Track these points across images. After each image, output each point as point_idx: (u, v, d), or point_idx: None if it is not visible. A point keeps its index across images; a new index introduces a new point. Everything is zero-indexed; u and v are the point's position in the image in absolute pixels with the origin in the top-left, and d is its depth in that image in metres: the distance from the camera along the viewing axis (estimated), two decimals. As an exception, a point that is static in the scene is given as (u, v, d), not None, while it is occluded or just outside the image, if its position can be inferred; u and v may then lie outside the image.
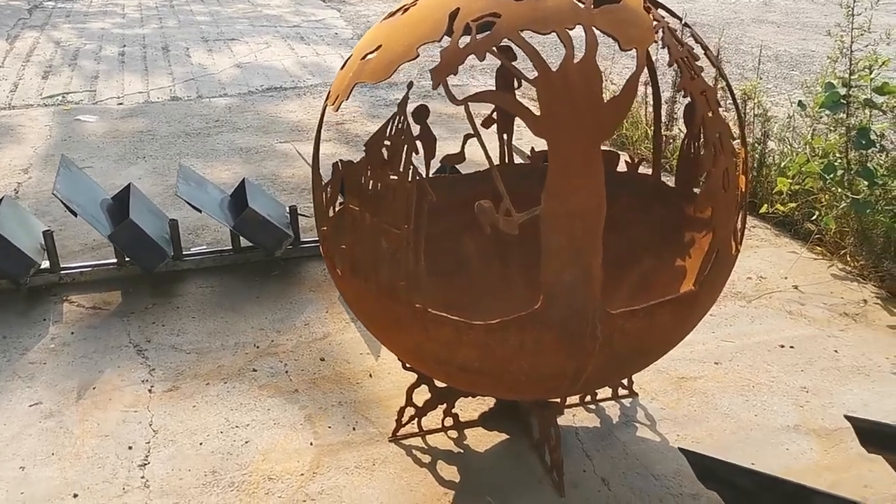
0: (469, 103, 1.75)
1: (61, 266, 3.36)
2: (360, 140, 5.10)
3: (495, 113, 2.70)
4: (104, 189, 3.72)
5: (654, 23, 1.90)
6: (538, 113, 1.75)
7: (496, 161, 2.70)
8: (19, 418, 2.55)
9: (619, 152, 2.72)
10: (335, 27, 9.23)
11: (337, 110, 2.00)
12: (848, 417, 2.11)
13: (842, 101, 3.48)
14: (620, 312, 1.89)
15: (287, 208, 3.60)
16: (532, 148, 2.84)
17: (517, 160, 2.93)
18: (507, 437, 2.48)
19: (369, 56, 1.94)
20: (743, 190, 2.09)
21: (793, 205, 3.87)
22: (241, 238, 3.50)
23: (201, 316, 3.16)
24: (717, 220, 1.98)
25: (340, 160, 2.08)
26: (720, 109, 2.00)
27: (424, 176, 2.46)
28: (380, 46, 1.92)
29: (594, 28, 1.78)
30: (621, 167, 2.70)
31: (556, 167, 1.76)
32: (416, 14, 1.94)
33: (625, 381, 2.65)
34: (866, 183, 3.47)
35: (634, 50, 1.82)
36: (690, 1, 10.33)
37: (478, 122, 1.94)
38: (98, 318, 3.14)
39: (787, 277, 3.51)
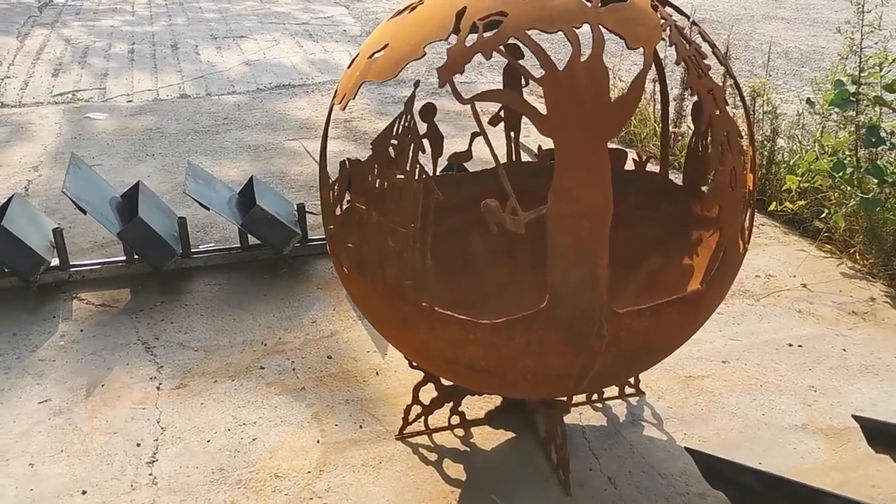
0: (476, 101, 1.75)
1: (71, 263, 3.38)
2: (368, 138, 5.11)
3: (502, 111, 2.70)
4: (113, 187, 3.73)
5: (662, 21, 1.89)
6: (545, 112, 1.75)
7: (503, 159, 2.70)
8: (29, 415, 2.57)
9: (627, 150, 2.72)
10: (344, 24, 9.24)
11: (344, 109, 2.01)
12: (856, 417, 2.11)
13: (851, 98, 3.46)
14: (627, 311, 1.89)
15: (295, 206, 3.61)
16: (539, 146, 2.84)
17: (524, 158, 2.93)
18: (514, 435, 2.48)
19: (376, 55, 1.95)
20: (751, 188, 2.08)
21: (802, 202, 3.86)
22: (250, 236, 3.51)
23: (209, 313, 3.17)
24: (724, 218, 1.98)
25: (348, 158, 2.09)
26: (728, 107, 1.99)
27: (432, 174, 2.47)
28: (387, 45, 1.92)
29: (601, 26, 1.78)
30: (629, 165, 2.69)
31: (563, 166, 1.75)
32: (423, 12, 1.94)
33: (631, 380, 2.64)
34: (876, 181, 3.45)
35: (642, 48, 1.82)
36: (700, -3, 10.28)
37: (485, 119, 1.94)
38: (107, 316, 3.15)
39: (796, 276, 3.49)
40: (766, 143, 4.14)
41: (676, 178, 2.62)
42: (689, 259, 2.48)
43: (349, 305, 3.20)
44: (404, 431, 2.48)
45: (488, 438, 2.47)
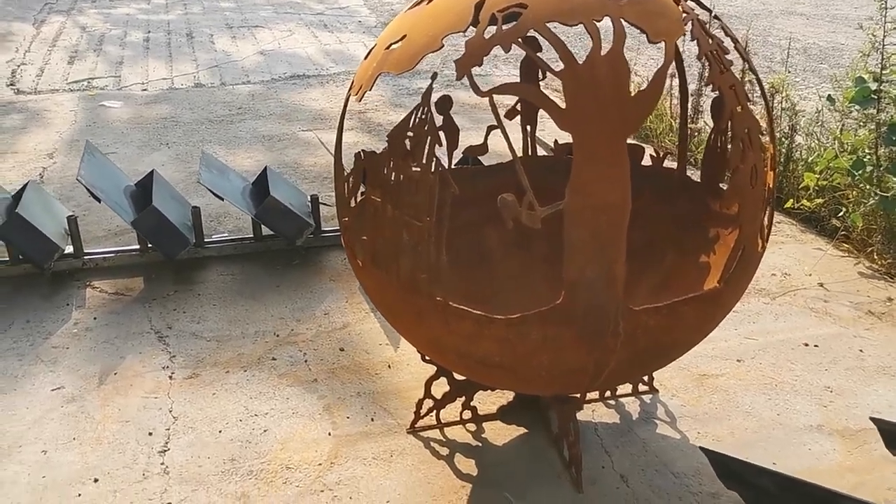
0: (494, 94, 1.73)
1: (85, 251, 3.39)
2: (383, 129, 5.10)
3: (519, 104, 2.67)
4: (127, 175, 3.74)
5: (684, 15, 1.87)
6: (563, 106, 1.73)
7: (519, 153, 2.68)
8: (41, 402, 2.58)
9: (644, 145, 2.69)
10: (359, 15, 9.21)
11: (360, 100, 1.99)
12: (873, 419, 2.08)
13: (872, 95, 3.42)
14: (643, 309, 1.87)
15: (309, 197, 3.60)
16: (556, 140, 2.82)
17: (540, 152, 2.91)
18: (526, 431, 2.47)
19: (393, 46, 1.93)
20: (770, 186, 2.06)
21: (819, 200, 3.82)
22: (263, 226, 3.50)
23: (222, 304, 3.17)
24: (743, 216, 1.95)
25: (363, 150, 2.07)
26: (748, 103, 1.96)
27: (447, 167, 2.45)
28: (404, 36, 1.91)
29: (622, 19, 1.75)
30: (646, 161, 2.67)
31: (581, 161, 1.73)
32: (441, 4, 1.92)
33: (645, 378, 2.62)
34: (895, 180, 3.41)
35: (663, 42, 1.79)
36: (718, -8, 10.20)
37: (501, 112, 1.92)
38: (120, 304, 3.16)
39: (812, 274, 3.46)
40: (784, 139, 4.09)
41: (693, 174, 2.60)
42: (706, 257, 2.45)
43: (362, 297, 3.19)
44: (416, 425, 2.47)
45: (500, 434, 2.46)
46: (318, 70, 6.78)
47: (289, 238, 3.46)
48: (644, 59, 5.78)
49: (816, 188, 3.79)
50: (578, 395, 2.34)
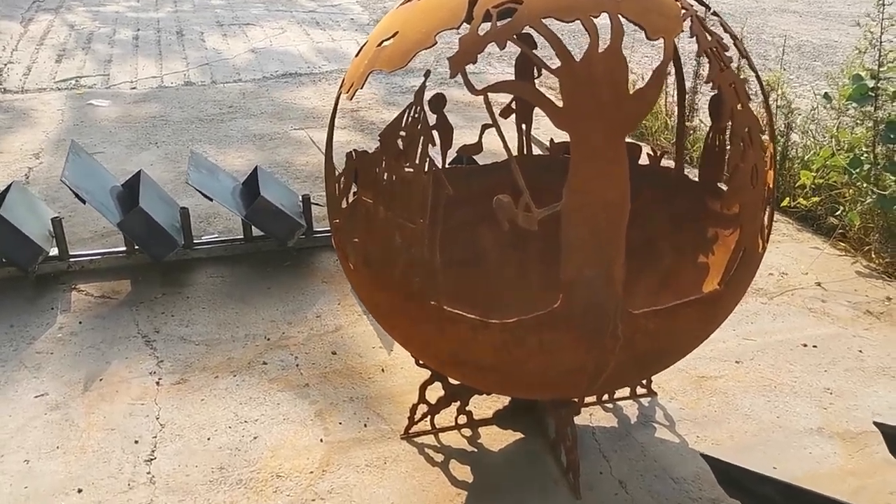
0: (489, 93, 1.68)
1: (70, 254, 3.32)
2: (375, 128, 5.04)
3: (514, 102, 2.62)
4: (115, 175, 3.68)
5: (683, 11, 1.82)
6: (560, 104, 1.68)
7: (514, 152, 2.63)
8: (24, 410, 2.51)
9: (641, 144, 2.64)
10: (351, 12, 9.15)
11: (351, 98, 1.94)
12: (877, 424, 2.03)
13: (870, 93, 3.38)
14: (643, 312, 1.82)
15: (300, 197, 3.54)
16: (551, 139, 2.77)
17: (535, 151, 2.86)
18: (522, 436, 2.42)
19: (385, 43, 1.88)
20: (770, 186, 2.01)
21: (816, 199, 3.78)
22: (253, 227, 3.44)
23: (211, 307, 3.11)
24: (744, 216, 1.91)
25: (354, 150, 2.02)
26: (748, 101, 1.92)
27: (441, 167, 2.40)
28: (396, 33, 1.85)
29: (620, 16, 1.70)
30: (643, 160, 2.62)
31: (579, 160, 1.68)
32: (433, 0, 1.87)
33: (643, 381, 2.58)
34: (893, 178, 3.37)
35: (661, 39, 1.74)
36: (711, -11, 10.17)
37: (496, 111, 1.87)
38: (106, 308, 3.10)
39: (810, 274, 3.42)
40: (780, 138, 4.05)
41: (690, 173, 2.55)
42: (705, 257, 2.41)
43: (354, 300, 3.13)
44: (410, 431, 2.42)
45: (496, 439, 2.41)
46: (310, 68, 6.72)
47: (280, 239, 3.41)
48: (638, 57, 5.73)
49: (813, 186, 3.75)
50: (576, 400, 2.29)
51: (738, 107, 1.86)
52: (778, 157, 4.02)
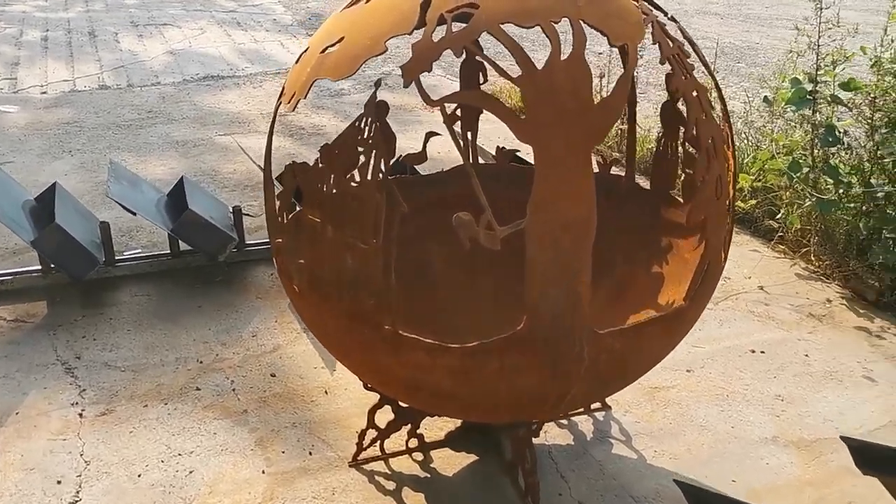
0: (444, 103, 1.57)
1: (-22, 274, 3.08)
2: (305, 133, 4.87)
3: (458, 110, 2.52)
4: (26, 188, 3.43)
5: (644, 16, 1.74)
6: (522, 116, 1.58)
7: (459, 161, 2.52)
8: (-69, 451, 2.29)
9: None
10: (274, 12, 8.91)
11: (293, 109, 1.80)
12: (843, 438, 2.01)
13: (808, 97, 3.40)
14: (609, 332, 1.74)
15: (231, 208, 3.37)
16: (497, 147, 2.68)
17: (481, 160, 2.76)
18: (477, 458, 2.32)
19: (330, 49, 1.74)
20: (732, 196, 1.96)
21: (753, 202, 3.80)
22: (181, 241, 3.25)
23: (137, 328, 2.93)
24: (709, 229, 1.85)
25: (294, 162, 1.88)
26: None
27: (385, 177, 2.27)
28: (342, 38, 1.73)
29: (582, 22, 1.61)
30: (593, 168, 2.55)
31: (543, 175, 1.59)
32: (382, 2, 1.75)
33: (600, 396, 2.51)
34: (831, 181, 3.40)
35: (626, 45, 1.66)
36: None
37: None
38: (21, 333, 2.89)
39: (752, 277, 3.43)
40: (715, 140, 4.06)
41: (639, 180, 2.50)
42: (659, 267, 2.36)
43: (292, 317, 2.98)
44: (358, 458, 2.29)
45: (450, 462, 2.30)
46: (232, 70, 6.49)
47: (210, 254, 3.23)
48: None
49: (751, 189, 3.77)
50: (535, 421, 2.20)
51: (703, 116, 1.79)
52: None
